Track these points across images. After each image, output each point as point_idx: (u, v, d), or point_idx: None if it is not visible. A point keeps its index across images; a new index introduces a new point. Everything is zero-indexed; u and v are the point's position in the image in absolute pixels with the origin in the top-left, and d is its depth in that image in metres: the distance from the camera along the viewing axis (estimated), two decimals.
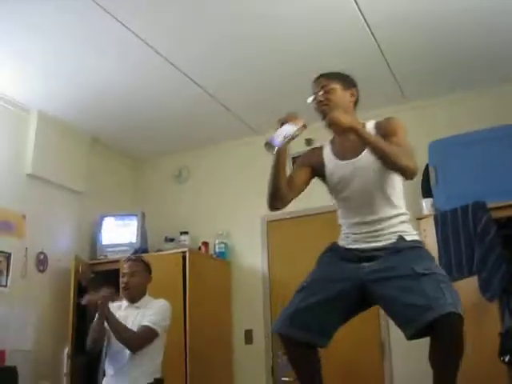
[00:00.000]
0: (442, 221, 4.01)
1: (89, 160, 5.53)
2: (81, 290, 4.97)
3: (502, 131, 4.16)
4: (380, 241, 2.61)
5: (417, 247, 2.60)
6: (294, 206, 4.70)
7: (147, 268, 4.01)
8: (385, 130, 2.64)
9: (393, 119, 2.70)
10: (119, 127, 5.45)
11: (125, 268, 3.96)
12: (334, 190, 2.77)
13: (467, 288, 3.78)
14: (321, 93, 2.70)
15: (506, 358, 3.09)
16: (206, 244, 5.50)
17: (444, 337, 2.32)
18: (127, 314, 3.83)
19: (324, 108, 2.68)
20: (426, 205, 4.35)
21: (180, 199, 5.98)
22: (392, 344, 4.64)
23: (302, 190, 2.81)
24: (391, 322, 4.52)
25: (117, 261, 5.11)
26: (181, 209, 5.90)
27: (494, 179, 4.03)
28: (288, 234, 5.36)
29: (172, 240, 5.51)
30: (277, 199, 2.77)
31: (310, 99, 2.75)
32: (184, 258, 4.89)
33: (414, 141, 4.76)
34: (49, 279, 4.95)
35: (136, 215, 5.54)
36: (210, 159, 5.93)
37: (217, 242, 5.52)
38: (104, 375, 3.85)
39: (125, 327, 3.69)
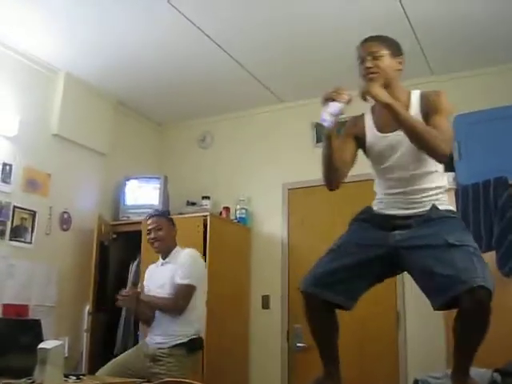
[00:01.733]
0: (463, 195, 4.01)
1: (114, 122, 5.58)
2: (103, 250, 5.08)
3: None
4: (413, 208, 2.59)
5: (450, 217, 2.58)
6: (315, 175, 4.73)
7: (170, 221, 4.12)
8: (429, 104, 2.59)
9: (440, 95, 2.63)
10: (145, 90, 5.48)
11: (149, 225, 4.04)
12: (373, 161, 2.75)
13: None
14: (369, 58, 2.62)
15: None
16: (227, 209, 5.55)
17: (471, 311, 2.29)
18: (162, 271, 3.94)
19: (372, 76, 2.60)
20: (448, 178, 4.32)
21: (203, 164, 6.02)
22: (407, 314, 4.69)
23: (354, 163, 2.76)
24: (407, 292, 4.60)
25: (139, 222, 5.17)
26: (203, 173, 5.95)
27: None
28: (308, 202, 5.38)
29: (194, 204, 5.57)
30: (334, 180, 2.73)
31: (358, 62, 2.67)
32: (205, 222, 4.94)
33: None
34: (72, 238, 5.05)
35: (159, 178, 5.59)
36: (234, 125, 5.95)
37: (238, 207, 5.56)
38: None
39: (160, 302, 3.81)
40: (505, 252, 3.66)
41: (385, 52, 2.63)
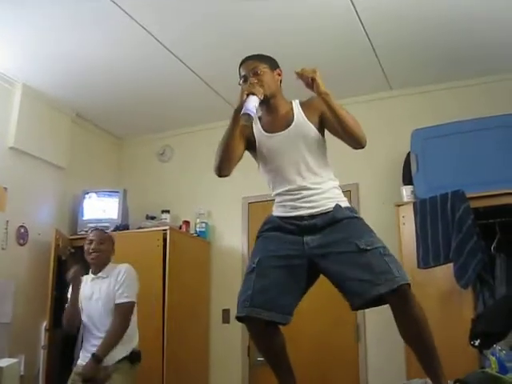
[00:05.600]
0: (421, 208, 4.07)
1: (72, 136, 5.51)
2: (60, 264, 4.98)
3: (484, 123, 4.20)
4: (317, 206, 2.69)
5: (354, 217, 2.70)
6: None
7: (112, 239, 4.13)
8: (318, 107, 2.74)
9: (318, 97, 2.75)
10: (104, 104, 5.43)
11: (91, 236, 4.06)
12: (263, 161, 2.87)
13: (443, 275, 3.86)
14: (252, 75, 2.79)
15: (476, 343, 3.17)
16: (186, 223, 5.52)
17: (401, 306, 2.46)
18: (93, 285, 3.94)
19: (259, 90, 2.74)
20: (406, 192, 4.40)
21: (162, 178, 5.98)
22: (367, 326, 4.72)
23: (238, 161, 2.89)
24: None
25: None
26: (163, 187, 5.91)
27: (473, 170, 4.08)
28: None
29: (153, 218, 5.53)
30: (230, 164, 2.87)
31: (240, 82, 2.84)
32: (165, 236, 4.91)
33: (397, 128, 4.85)
34: (29, 252, 4.94)
35: (118, 192, 5.54)
36: (194, 139, 5.93)
37: (198, 221, 5.55)
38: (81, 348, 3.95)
39: (111, 341, 3.72)
40: (462, 264, 3.72)
41: (264, 67, 2.83)
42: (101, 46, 4.41)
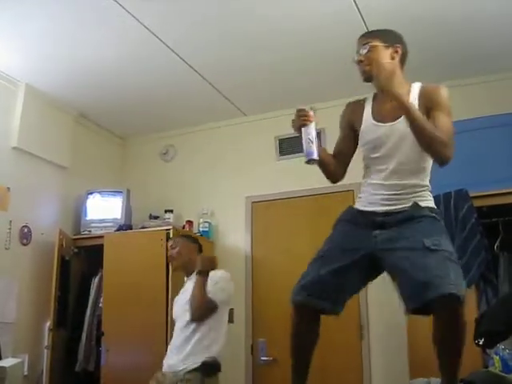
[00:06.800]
0: None
1: (75, 135, 5.52)
2: (64, 264, 5.00)
3: (489, 122, 4.20)
4: (395, 205, 2.57)
5: (430, 217, 2.55)
6: (279, 188, 4.74)
7: (189, 240, 4.07)
8: (430, 99, 2.59)
9: (441, 90, 2.63)
10: (107, 103, 5.43)
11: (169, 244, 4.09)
12: (363, 147, 2.72)
13: None
14: (361, 52, 2.66)
15: (480, 341, 3.16)
16: (190, 223, 5.52)
17: (443, 316, 2.30)
18: (186, 285, 3.88)
19: (366, 68, 2.65)
20: None
21: (166, 177, 5.98)
22: (370, 326, 4.70)
23: (353, 155, 2.79)
24: (371, 303, 4.61)
25: (100, 236, 5.13)
26: (166, 187, 5.91)
27: (477, 169, 4.07)
28: (272, 215, 5.38)
29: (156, 217, 5.52)
30: (335, 178, 2.79)
31: (354, 58, 2.69)
32: (168, 236, 4.89)
33: None
34: (32, 252, 4.95)
35: (121, 192, 5.55)
36: (197, 138, 5.93)
37: (201, 221, 5.54)
38: None
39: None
40: (465, 263, 3.70)
41: (375, 43, 2.66)
42: (103, 45, 4.41)
